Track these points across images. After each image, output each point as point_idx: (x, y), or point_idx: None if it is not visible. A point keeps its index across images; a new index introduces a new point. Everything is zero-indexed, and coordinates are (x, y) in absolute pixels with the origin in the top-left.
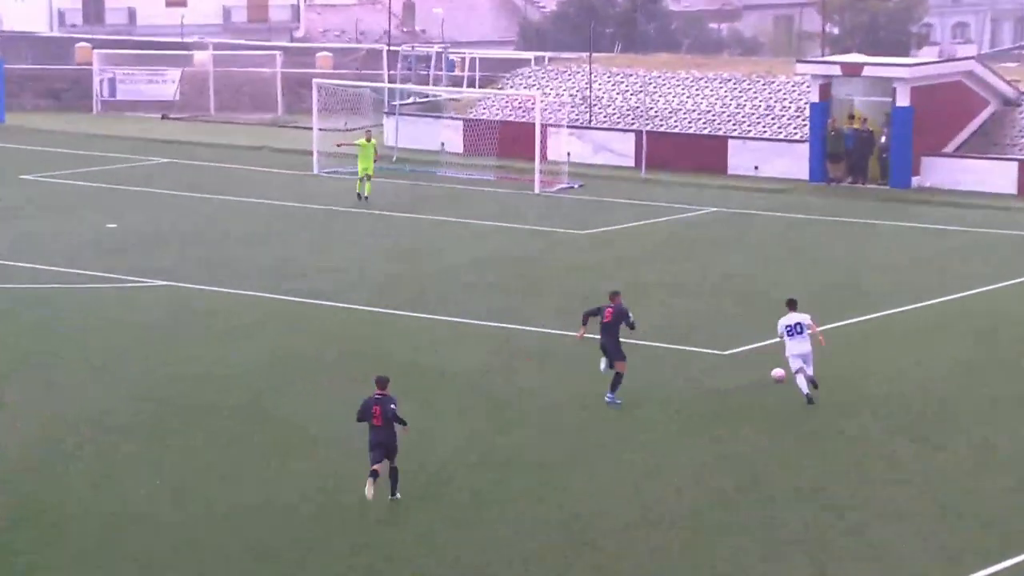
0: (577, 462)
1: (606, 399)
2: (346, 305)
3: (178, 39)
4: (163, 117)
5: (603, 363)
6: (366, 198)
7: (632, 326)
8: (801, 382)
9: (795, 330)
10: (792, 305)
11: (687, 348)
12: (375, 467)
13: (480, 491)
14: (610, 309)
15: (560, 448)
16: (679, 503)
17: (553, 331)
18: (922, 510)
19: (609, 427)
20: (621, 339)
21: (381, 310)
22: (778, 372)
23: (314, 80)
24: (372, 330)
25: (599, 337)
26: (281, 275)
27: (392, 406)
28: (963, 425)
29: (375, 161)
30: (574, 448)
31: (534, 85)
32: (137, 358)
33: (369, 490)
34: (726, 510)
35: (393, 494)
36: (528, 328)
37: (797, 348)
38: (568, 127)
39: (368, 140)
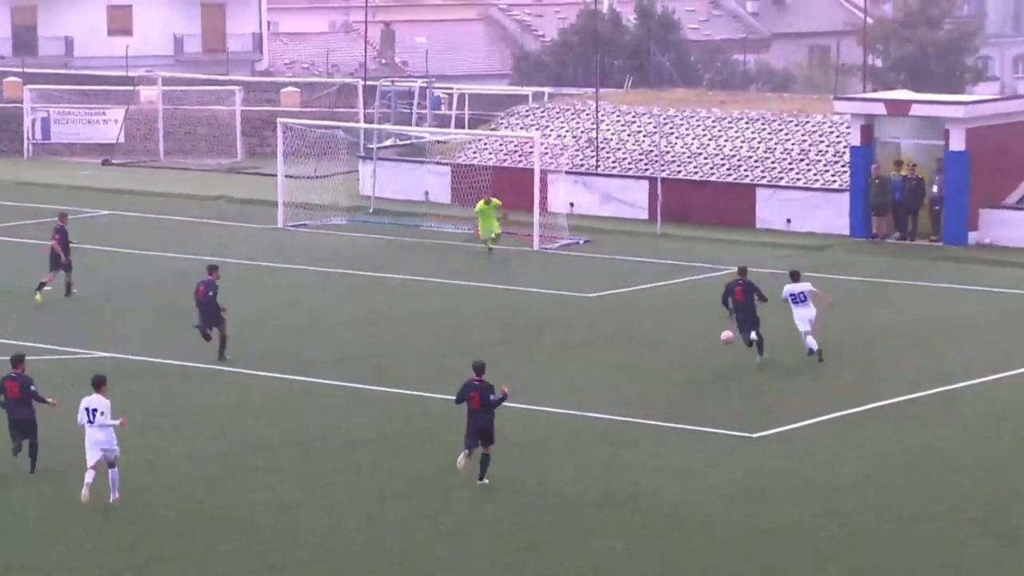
0: None
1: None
2: (302, 378)
3: (122, 72)
4: (104, 162)
5: (751, 335)
6: (490, 250)
7: (764, 298)
8: (809, 342)
9: (799, 298)
10: (795, 276)
11: (708, 429)
12: (469, 450)
13: None
14: (740, 288)
15: None
16: None
17: (554, 409)
18: None
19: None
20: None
21: (341, 382)
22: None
23: (279, 120)
24: (327, 405)
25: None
26: (239, 341)
27: (492, 396)
28: None
29: (499, 219)
30: None
31: (532, 125)
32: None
33: (462, 460)
34: None
35: (481, 479)
36: (521, 407)
37: (802, 314)
38: (572, 174)
39: (488, 203)
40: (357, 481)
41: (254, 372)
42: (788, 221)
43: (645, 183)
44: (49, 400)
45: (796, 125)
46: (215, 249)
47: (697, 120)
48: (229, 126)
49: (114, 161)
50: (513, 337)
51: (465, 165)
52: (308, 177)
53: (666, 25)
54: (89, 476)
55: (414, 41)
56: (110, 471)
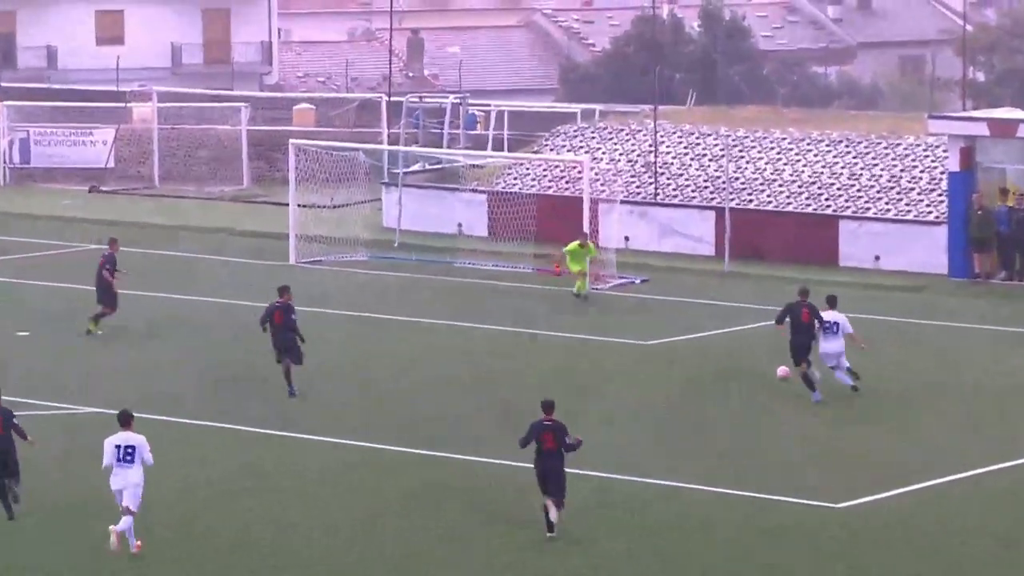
0: None
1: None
2: (323, 438)
3: (112, 87)
4: (91, 190)
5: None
6: (585, 296)
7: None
8: (841, 377)
9: (831, 329)
10: (832, 303)
11: (790, 500)
12: (548, 501)
13: None
14: (806, 310)
15: None
16: None
17: (610, 475)
18: None
19: None
20: None
21: (360, 444)
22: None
23: (291, 141)
24: (355, 475)
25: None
26: (241, 394)
27: (567, 439)
28: None
29: (556, 272)
30: None
31: (581, 147)
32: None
33: (552, 514)
34: None
35: (551, 531)
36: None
37: (830, 347)
38: (627, 203)
39: (583, 245)
40: (352, 498)
41: (308, 436)
42: (876, 258)
43: (711, 214)
44: (29, 438)
45: (885, 148)
46: (217, 289)
47: (771, 142)
48: (234, 148)
49: (102, 188)
50: (553, 390)
51: (504, 193)
52: (324, 207)
53: (735, 33)
54: (126, 523)
55: (446, 51)
56: (129, 519)
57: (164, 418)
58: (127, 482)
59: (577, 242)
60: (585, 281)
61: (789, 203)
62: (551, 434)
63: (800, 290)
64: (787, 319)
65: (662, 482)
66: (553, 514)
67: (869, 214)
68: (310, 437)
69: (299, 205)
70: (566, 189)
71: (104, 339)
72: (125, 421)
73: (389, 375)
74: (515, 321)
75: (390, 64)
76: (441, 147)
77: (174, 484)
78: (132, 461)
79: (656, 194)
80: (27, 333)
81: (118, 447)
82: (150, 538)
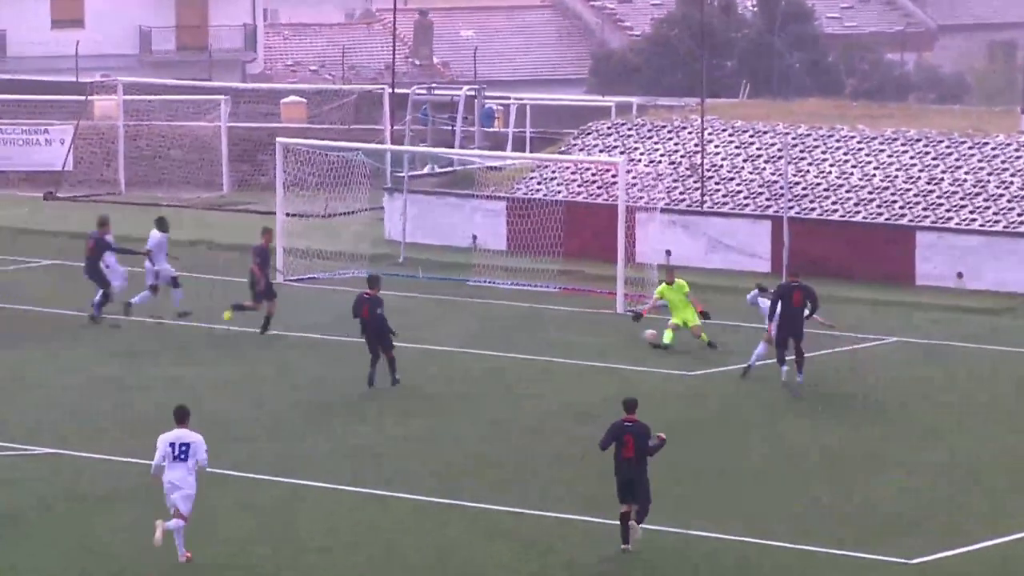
0: None
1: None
2: (325, 487)
3: (71, 78)
4: (47, 196)
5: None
6: (664, 346)
7: (817, 306)
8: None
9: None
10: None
11: (856, 555)
12: (625, 509)
13: None
14: (798, 291)
15: None
16: None
17: (658, 527)
18: None
19: None
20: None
21: (381, 494)
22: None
23: (278, 139)
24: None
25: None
26: (224, 436)
27: (651, 441)
28: None
29: (699, 312)
30: None
31: (616, 147)
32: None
33: (632, 534)
34: None
35: (625, 542)
36: (594, 520)
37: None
38: (668, 212)
39: (670, 282)
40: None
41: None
42: (959, 275)
43: (767, 224)
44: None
45: (970, 147)
46: (195, 312)
47: (837, 141)
48: (212, 148)
49: (59, 194)
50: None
51: (526, 200)
52: (317, 216)
53: (796, 15)
54: (175, 524)
55: (458, 36)
56: (180, 523)
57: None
58: (179, 482)
59: (663, 285)
60: (672, 333)
61: (858, 212)
62: (632, 437)
63: (792, 274)
64: (779, 305)
65: (713, 535)
66: (636, 530)
67: (951, 225)
68: (358, 490)
69: (288, 214)
70: (598, 195)
71: (62, 367)
72: (181, 418)
73: (422, 410)
74: (535, 348)
75: (394, 51)
76: (453, 147)
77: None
78: (185, 459)
79: (702, 201)
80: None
81: (172, 445)
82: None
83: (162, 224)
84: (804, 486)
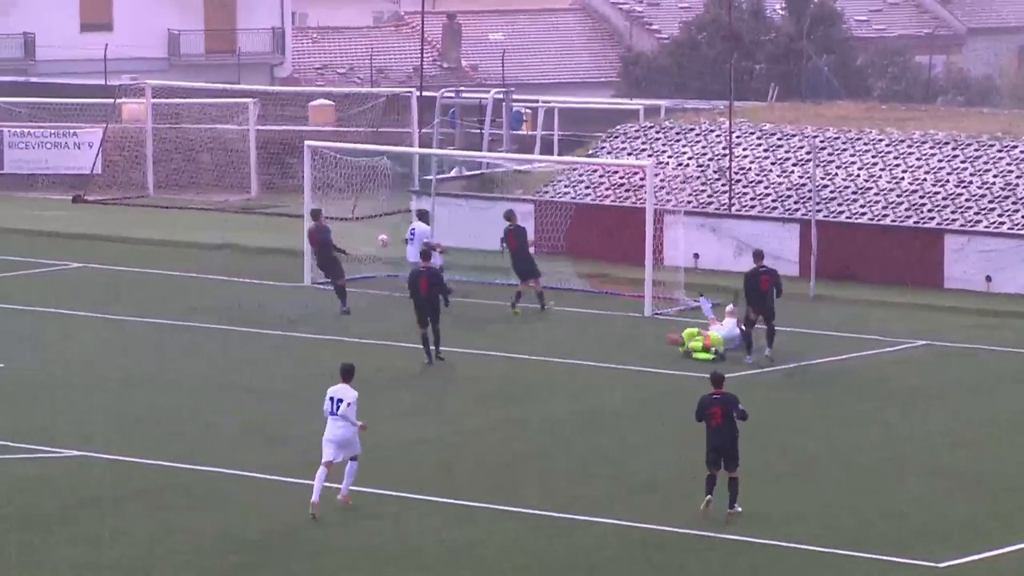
0: None
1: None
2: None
3: (99, 81)
4: (75, 199)
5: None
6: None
7: (781, 291)
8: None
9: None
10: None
11: (885, 558)
12: (711, 471)
13: None
14: (766, 276)
15: None
16: None
17: (686, 530)
18: None
19: None
20: None
21: (399, 494)
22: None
23: (306, 143)
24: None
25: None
26: (261, 437)
27: (740, 405)
28: None
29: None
30: None
31: (644, 150)
32: None
33: (705, 505)
34: None
35: (732, 506)
36: (614, 522)
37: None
38: (696, 215)
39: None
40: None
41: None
42: (988, 279)
43: (795, 228)
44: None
45: (1000, 151)
46: (221, 315)
47: (865, 144)
48: (240, 151)
49: (88, 197)
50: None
51: (554, 203)
52: (345, 219)
53: (824, 18)
54: (320, 474)
55: (487, 39)
56: (350, 463)
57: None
58: (333, 436)
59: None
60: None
61: (886, 215)
62: (719, 408)
63: (756, 252)
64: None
65: (736, 537)
66: (732, 506)
67: (980, 228)
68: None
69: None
70: (626, 198)
71: (85, 369)
72: (346, 374)
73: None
74: (563, 350)
75: (422, 54)
76: (480, 150)
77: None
78: (336, 415)
79: (730, 204)
80: (1, 365)
81: (331, 399)
82: None
83: (424, 217)
84: (828, 489)
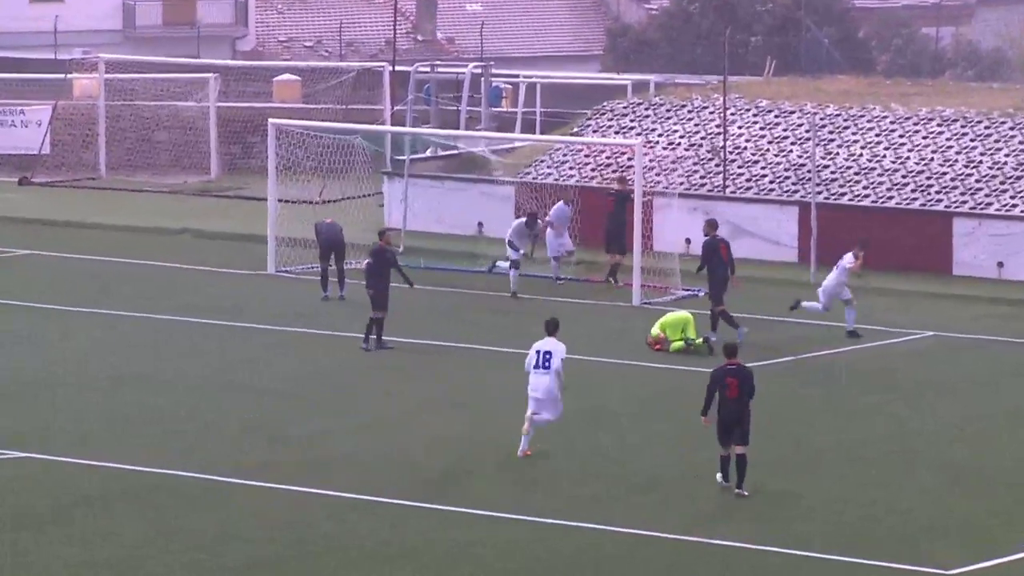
0: None
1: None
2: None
3: (49, 55)
4: (22, 181)
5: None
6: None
7: (733, 268)
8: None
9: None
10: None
11: (892, 565)
12: (724, 452)
13: None
14: (724, 246)
15: None
16: None
17: (679, 536)
18: None
19: None
20: None
21: (396, 501)
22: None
23: (271, 120)
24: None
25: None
26: (222, 441)
27: (753, 380)
28: None
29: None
30: None
31: (632, 128)
32: None
33: (720, 478)
34: None
35: (739, 487)
36: (613, 529)
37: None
38: (688, 197)
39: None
40: None
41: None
42: (1000, 265)
43: (794, 211)
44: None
45: (1012, 128)
46: (180, 307)
47: (868, 121)
48: (200, 130)
49: (36, 179)
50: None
51: (536, 185)
52: (312, 202)
53: None
54: (527, 426)
55: (464, 9)
56: (536, 418)
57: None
58: (539, 389)
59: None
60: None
61: (891, 197)
62: (735, 380)
63: (709, 223)
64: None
65: (734, 544)
66: (740, 487)
67: (991, 211)
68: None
69: (280, 200)
70: (613, 180)
71: (34, 367)
72: (551, 328)
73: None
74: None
75: (395, 25)
76: (457, 128)
77: None
78: (548, 368)
79: (724, 186)
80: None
81: (538, 352)
82: None
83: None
84: (833, 483)
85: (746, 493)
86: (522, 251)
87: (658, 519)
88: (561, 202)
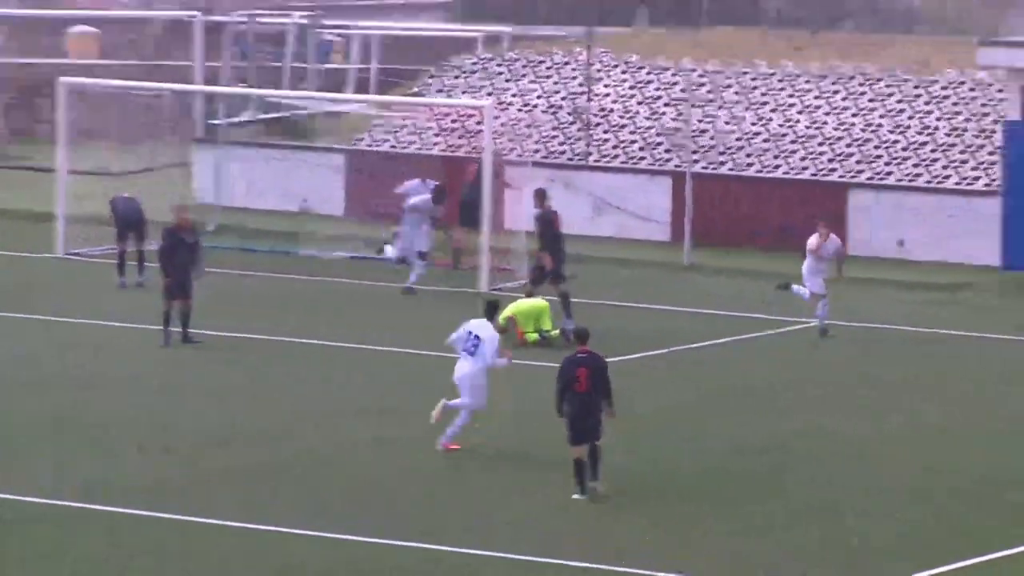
0: None
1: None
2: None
3: None
4: None
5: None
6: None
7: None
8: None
9: None
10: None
11: None
12: (577, 454)
13: None
14: (555, 216)
15: None
16: None
17: (609, 566)
18: None
19: None
20: None
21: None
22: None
23: (62, 79)
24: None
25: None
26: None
27: (608, 374)
28: None
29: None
30: None
31: (483, 87)
32: None
33: (596, 491)
34: None
35: (595, 477)
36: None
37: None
38: (545, 166)
39: (530, 295)
40: None
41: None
42: (900, 244)
43: (666, 182)
44: None
45: (916, 88)
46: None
47: (753, 79)
48: None
49: None
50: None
51: (370, 153)
52: (108, 173)
53: None
54: (438, 413)
55: None
56: (451, 403)
57: None
58: (463, 374)
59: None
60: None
61: (778, 166)
62: (586, 370)
63: (538, 193)
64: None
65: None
66: (598, 488)
67: (891, 181)
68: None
69: (72, 171)
70: (460, 147)
71: None
72: (490, 312)
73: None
74: (379, 338)
75: None
76: (280, 87)
77: None
78: (473, 354)
79: (588, 154)
80: None
81: (469, 333)
82: None
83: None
84: (744, 508)
85: (602, 490)
86: (425, 242)
87: (576, 550)
88: (418, 180)
